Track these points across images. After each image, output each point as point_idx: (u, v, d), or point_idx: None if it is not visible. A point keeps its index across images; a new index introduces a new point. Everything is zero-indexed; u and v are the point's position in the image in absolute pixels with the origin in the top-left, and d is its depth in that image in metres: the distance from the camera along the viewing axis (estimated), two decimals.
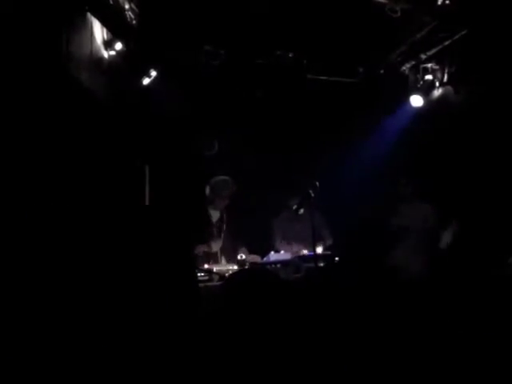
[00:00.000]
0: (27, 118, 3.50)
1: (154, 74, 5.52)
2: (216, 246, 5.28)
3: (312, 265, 4.76)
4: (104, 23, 4.77)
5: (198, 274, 4.66)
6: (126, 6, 4.88)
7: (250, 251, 5.26)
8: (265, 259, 5.12)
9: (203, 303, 3.93)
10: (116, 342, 3.48)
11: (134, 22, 4.99)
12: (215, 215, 5.46)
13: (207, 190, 5.38)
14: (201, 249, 5.22)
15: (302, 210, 5.60)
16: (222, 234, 5.40)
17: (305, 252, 5.33)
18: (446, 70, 5.90)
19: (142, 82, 5.52)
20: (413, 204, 5.50)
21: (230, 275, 4.54)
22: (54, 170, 3.74)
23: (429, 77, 6.04)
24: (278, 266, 4.93)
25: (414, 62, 6.15)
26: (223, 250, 5.32)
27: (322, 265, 4.90)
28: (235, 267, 4.93)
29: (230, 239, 5.42)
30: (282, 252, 5.31)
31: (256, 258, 5.16)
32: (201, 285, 4.53)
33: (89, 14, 4.54)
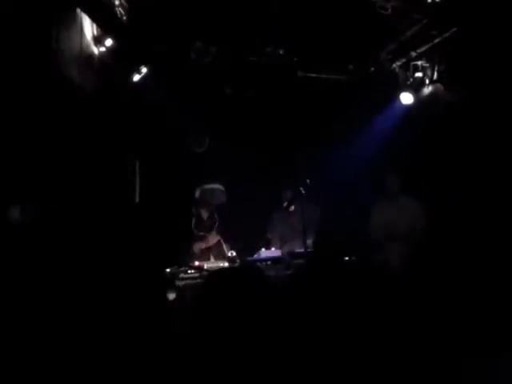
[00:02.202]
0: (17, 115, 3.48)
1: (144, 70, 5.50)
2: (212, 240, 5.37)
3: (302, 262, 4.79)
4: (94, 19, 4.74)
5: (189, 272, 4.67)
6: (116, 2, 4.85)
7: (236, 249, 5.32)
8: (255, 256, 5.14)
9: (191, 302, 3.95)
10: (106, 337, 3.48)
11: (124, 17, 4.97)
12: (205, 214, 5.51)
13: (197, 193, 5.46)
14: (198, 246, 5.29)
15: (292, 207, 5.63)
16: (214, 230, 5.46)
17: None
18: (436, 68, 5.91)
19: (132, 79, 5.49)
20: (401, 203, 5.45)
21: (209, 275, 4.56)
22: (43, 165, 3.73)
23: (419, 74, 6.05)
24: (269, 263, 4.95)
25: (404, 60, 6.17)
26: (212, 248, 5.38)
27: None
28: (226, 264, 4.94)
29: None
30: (273, 249, 5.32)
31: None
32: (191, 282, 4.55)
33: (78, 10, 4.51)
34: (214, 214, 5.51)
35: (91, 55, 4.83)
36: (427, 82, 6.09)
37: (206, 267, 4.77)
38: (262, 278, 2.06)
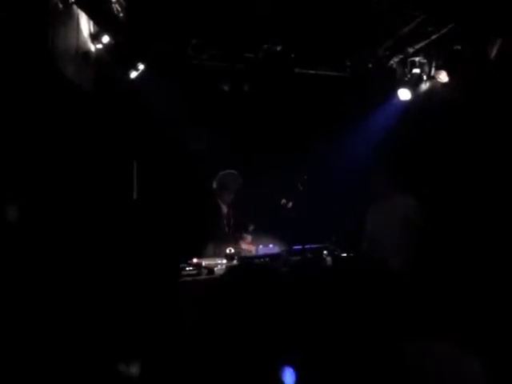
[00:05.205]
0: (13, 113, 3.47)
1: (141, 67, 5.49)
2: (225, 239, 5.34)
3: (299, 258, 4.79)
4: (90, 16, 4.73)
5: (187, 268, 4.67)
6: None
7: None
8: (253, 252, 5.14)
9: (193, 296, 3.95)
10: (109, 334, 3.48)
11: (120, 14, 4.95)
12: (223, 209, 5.51)
13: (214, 184, 5.44)
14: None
15: (290, 204, 5.62)
16: (231, 229, 5.48)
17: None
18: (434, 64, 5.92)
19: (129, 76, 5.47)
20: (391, 200, 5.37)
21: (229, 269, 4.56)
22: (40, 163, 3.72)
23: (416, 70, 6.06)
24: (267, 259, 4.94)
25: (401, 56, 6.17)
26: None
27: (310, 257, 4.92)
28: (224, 261, 4.94)
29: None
30: (271, 246, 5.32)
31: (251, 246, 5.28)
32: (189, 278, 4.54)
33: (75, 7, 4.49)
34: (230, 210, 5.52)
35: (88, 52, 4.82)
36: (425, 78, 6.10)
37: (203, 264, 4.76)
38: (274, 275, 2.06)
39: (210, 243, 5.20)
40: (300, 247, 4.95)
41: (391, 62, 6.30)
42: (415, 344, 1.62)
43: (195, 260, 4.84)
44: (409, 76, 6.14)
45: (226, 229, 5.46)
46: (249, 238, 5.47)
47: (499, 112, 4.98)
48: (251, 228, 5.43)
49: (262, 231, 5.64)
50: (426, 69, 6.05)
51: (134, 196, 5.59)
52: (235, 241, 5.34)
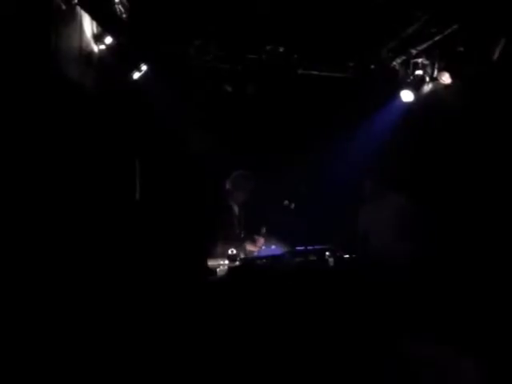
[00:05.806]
0: (15, 113, 3.48)
1: (144, 68, 5.50)
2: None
3: (303, 259, 4.79)
4: (94, 17, 4.73)
5: None
6: (116, 0, 4.84)
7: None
8: (255, 254, 5.14)
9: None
10: (114, 337, 3.49)
11: (124, 15, 4.96)
12: (235, 209, 5.50)
13: (228, 185, 5.43)
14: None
15: (293, 205, 5.62)
16: (242, 230, 5.47)
17: None
18: (436, 65, 5.91)
19: (132, 77, 5.48)
20: (383, 201, 5.33)
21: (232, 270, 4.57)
22: (43, 163, 3.73)
23: (419, 72, 6.05)
24: (269, 260, 4.94)
25: (404, 57, 6.16)
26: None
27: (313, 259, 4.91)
28: (226, 262, 4.94)
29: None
30: (273, 247, 5.33)
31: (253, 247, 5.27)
32: None
33: (78, 8, 4.50)
34: (242, 211, 5.52)
35: (91, 53, 4.82)
36: (427, 79, 6.10)
37: None
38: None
39: (220, 243, 5.20)
40: (302, 248, 4.95)
41: (394, 63, 6.30)
42: (415, 344, 1.62)
43: None
44: (411, 77, 6.13)
45: (237, 229, 5.45)
46: (261, 240, 5.47)
47: (502, 114, 4.97)
48: (263, 230, 5.43)
49: (269, 233, 5.65)
50: (429, 70, 6.04)
51: (137, 196, 5.59)
52: (246, 242, 5.35)
